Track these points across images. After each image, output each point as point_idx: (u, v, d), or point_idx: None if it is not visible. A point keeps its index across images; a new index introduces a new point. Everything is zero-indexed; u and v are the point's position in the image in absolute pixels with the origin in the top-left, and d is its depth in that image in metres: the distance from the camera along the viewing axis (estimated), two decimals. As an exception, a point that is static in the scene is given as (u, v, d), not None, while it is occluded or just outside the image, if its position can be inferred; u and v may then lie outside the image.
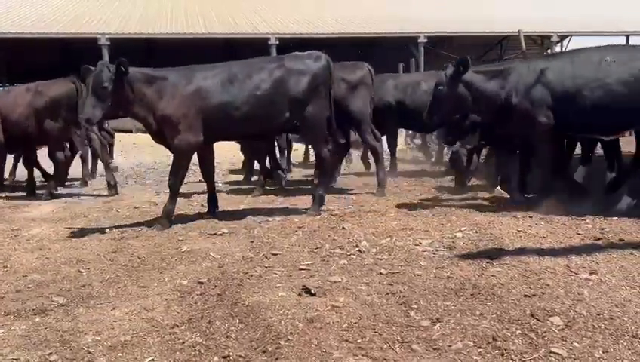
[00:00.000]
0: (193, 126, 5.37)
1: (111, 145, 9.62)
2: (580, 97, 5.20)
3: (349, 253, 4.31)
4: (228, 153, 11.06)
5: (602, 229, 4.76)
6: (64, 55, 22.50)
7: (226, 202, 6.78)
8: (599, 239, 4.49)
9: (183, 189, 7.63)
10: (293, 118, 5.60)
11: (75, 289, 3.79)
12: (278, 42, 18.24)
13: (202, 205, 6.58)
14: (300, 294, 3.49)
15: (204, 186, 8.12)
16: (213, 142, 5.84)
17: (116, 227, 5.53)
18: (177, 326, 3.14)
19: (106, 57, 17.78)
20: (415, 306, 3.24)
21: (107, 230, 5.43)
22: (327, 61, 5.70)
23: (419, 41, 19.06)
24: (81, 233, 5.34)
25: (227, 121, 5.45)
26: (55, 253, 4.70)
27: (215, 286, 3.71)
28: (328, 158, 5.93)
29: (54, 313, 3.41)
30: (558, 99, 5.29)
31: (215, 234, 5.09)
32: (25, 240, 5.20)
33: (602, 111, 5.15)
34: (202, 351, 2.81)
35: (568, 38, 23.14)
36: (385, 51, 19.76)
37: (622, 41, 22.29)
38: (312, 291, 3.49)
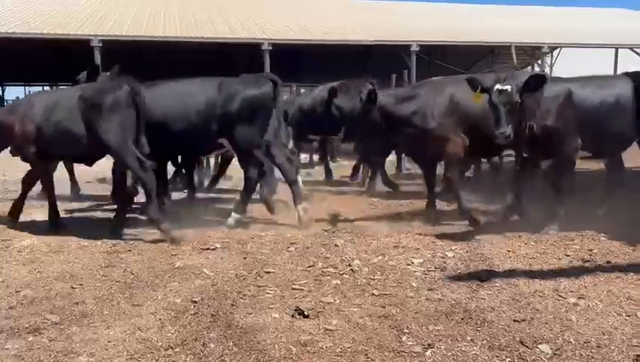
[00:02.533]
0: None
1: None
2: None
3: (341, 273, 4.35)
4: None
5: (590, 251, 4.85)
6: (56, 56, 22.41)
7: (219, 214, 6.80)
8: (587, 261, 4.58)
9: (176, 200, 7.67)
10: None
11: (69, 306, 3.79)
12: (271, 48, 18.23)
13: (195, 218, 6.58)
14: (293, 316, 3.53)
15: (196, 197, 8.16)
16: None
17: (109, 239, 5.52)
18: (171, 347, 3.16)
19: (98, 59, 17.69)
20: (407, 331, 3.29)
21: (100, 242, 5.43)
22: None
23: (411, 49, 19.13)
24: (73, 245, 5.32)
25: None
26: (47, 266, 4.69)
27: (209, 305, 3.73)
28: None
29: (48, 332, 3.41)
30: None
31: (208, 248, 5.11)
32: (16, 251, 5.16)
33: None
34: (197, 376, 2.84)
35: (559, 49, 23.40)
36: (378, 59, 19.87)
37: (611, 53, 22.64)
38: (305, 313, 3.53)
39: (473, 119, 5.65)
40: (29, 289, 4.15)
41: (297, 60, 22.55)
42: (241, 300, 3.82)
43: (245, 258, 4.80)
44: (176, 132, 5.79)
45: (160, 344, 3.20)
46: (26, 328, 3.45)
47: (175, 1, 23.51)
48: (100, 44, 17.51)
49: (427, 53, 20.01)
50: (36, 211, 7.01)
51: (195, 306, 3.73)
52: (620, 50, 22.15)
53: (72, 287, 4.16)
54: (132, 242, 5.40)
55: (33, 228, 6.05)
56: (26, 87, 32.28)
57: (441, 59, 20.82)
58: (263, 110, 5.84)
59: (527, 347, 3.07)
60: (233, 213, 6.03)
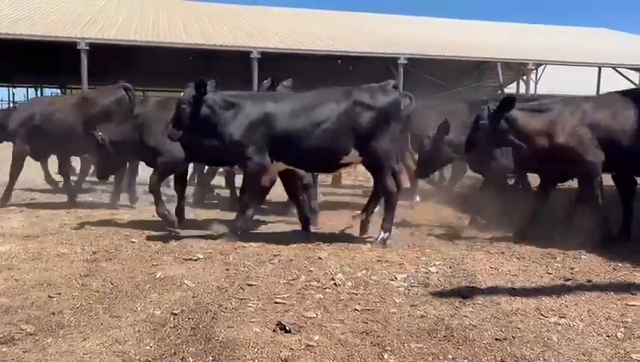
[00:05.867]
0: None
1: None
2: None
3: (324, 287, 4.32)
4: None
5: (571, 269, 4.89)
6: (44, 58, 22.19)
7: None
8: (568, 280, 4.60)
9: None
10: None
11: (45, 316, 3.70)
12: (260, 56, 18.24)
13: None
14: (274, 330, 3.49)
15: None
16: None
17: (88, 246, 5.44)
18: (149, 362, 3.10)
19: (85, 62, 17.53)
20: (389, 348, 3.27)
21: (79, 249, 5.34)
22: None
23: (399, 62, 19.29)
24: (52, 252, 5.23)
25: None
26: (24, 274, 4.59)
27: (189, 318, 3.67)
28: None
29: (22, 342, 3.32)
30: None
31: (190, 259, 5.05)
32: (-7, 257, 5.06)
33: None
34: (174, 392, 2.78)
35: (543, 66, 23.76)
36: (365, 70, 19.97)
37: (594, 71, 23.05)
38: (287, 328, 3.49)
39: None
40: (5, 297, 4.05)
41: (285, 69, 22.61)
42: (222, 313, 3.77)
43: (228, 269, 4.74)
44: None
45: (138, 357, 3.13)
46: (0, 338, 3.37)
47: (164, 7, 23.46)
48: (87, 47, 17.37)
49: (415, 65, 20.17)
50: (15, 218, 6.91)
51: (174, 319, 3.67)
52: (603, 69, 22.57)
53: (50, 296, 4.07)
54: (113, 251, 5.32)
55: (12, 233, 5.94)
56: (10, 89, 31.94)
57: (429, 72, 20.98)
58: None
59: (508, 367, 3.06)
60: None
